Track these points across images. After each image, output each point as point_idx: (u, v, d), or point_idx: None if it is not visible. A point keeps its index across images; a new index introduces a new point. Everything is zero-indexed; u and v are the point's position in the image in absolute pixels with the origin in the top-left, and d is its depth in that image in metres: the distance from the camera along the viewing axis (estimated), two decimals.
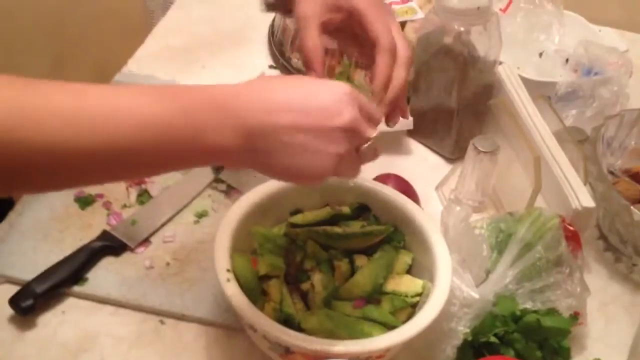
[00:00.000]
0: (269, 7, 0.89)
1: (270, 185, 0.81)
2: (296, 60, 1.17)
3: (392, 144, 1.08)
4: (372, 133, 0.63)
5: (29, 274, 0.80)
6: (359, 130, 0.61)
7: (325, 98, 0.60)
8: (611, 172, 0.98)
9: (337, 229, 0.80)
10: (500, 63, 1.04)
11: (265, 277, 0.75)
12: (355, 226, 0.82)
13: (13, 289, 0.79)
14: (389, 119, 0.75)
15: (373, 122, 0.64)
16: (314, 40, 0.73)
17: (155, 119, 0.55)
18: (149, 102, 0.55)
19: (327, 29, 0.75)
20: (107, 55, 1.41)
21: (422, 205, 0.90)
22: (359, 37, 0.76)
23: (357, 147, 0.64)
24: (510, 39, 1.15)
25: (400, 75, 0.74)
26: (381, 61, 0.72)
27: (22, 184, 0.55)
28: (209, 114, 0.57)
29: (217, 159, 0.61)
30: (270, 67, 1.19)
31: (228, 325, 0.80)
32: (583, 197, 0.86)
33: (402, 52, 0.74)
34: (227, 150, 0.58)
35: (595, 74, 1.09)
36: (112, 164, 0.55)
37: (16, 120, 0.50)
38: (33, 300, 0.77)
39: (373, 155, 0.68)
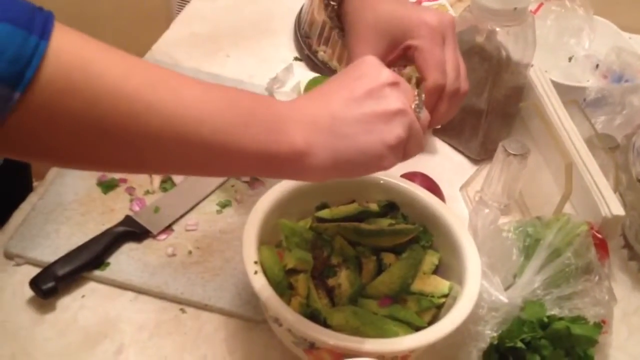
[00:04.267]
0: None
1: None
2: (322, 54, 1.15)
3: None
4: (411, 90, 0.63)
5: (49, 257, 0.79)
6: (402, 83, 0.62)
7: (358, 70, 0.62)
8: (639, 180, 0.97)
9: (366, 226, 0.79)
10: (532, 66, 1.03)
11: (292, 271, 0.74)
12: (383, 224, 0.80)
13: (33, 271, 0.78)
14: None
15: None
16: None
17: (238, 113, 0.56)
18: (237, 101, 0.57)
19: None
20: (129, 41, 1.40)
21: (447, 205, 0.89)
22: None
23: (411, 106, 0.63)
24: (539, 41, 1.13)
25: (443, 108, 0.76)
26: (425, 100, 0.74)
27: (94, 156, 0.53)
28: (280, 116, 0.58)
29: (296, 162, 0.58)
30: (296, 59, 1.18)
31: (249, 317, 0.79)
32: (613, 205, 0.85)
33: (450, 85, 0.75)
34: (305, 150, 0.57)
35: (626, 81, 1.08)
36: (191, 152, 0.54)
37: (111, 91, 0.49)
38: (54, 283, 0.76)
39: (427, 118, 0.66)
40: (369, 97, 0.60)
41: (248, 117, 0.56)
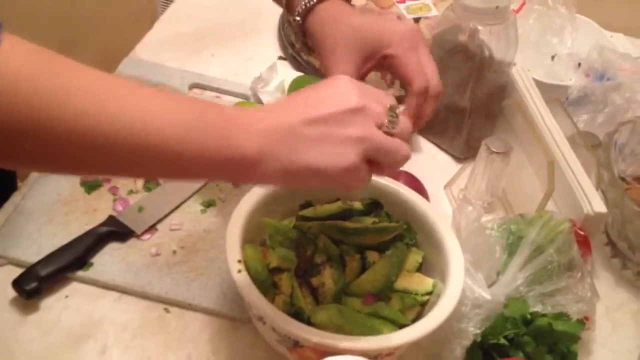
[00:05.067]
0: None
1: None
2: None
3: None
4: (383, 108, 0.63)
5: (32, 257, 0.79)
6: (368, 108, 0.61)
7: (328, 89, 0.62)
8: (622, 179, 0.98)
9: (350, 224, 0.79)
10: (514, 64, 1.03)
11: (276, 270, 0.74)
12: (367, 222, 0.81)
13: (16, 271, 0.77)
14: None
15: (383, 100, 0.64)
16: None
17: (192, 122, 0.57)
18: (188, 107, 0.58)
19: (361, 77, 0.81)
20: (114, 40, 1.40)
21: (431, 203, 0.89)
22: (394, 73, 0.81)
23: (381, 126, 0.62)
24: (522, 40, 1.13)
25: (429, 109, 0.80)
26: (412, 102, 0.78)
27: (52, 162, 0.55)
28: (236, 120, 0.59)
29: (248, 168, 0.59)
30: (280, 58, 1.18)
31: (233, 317, 0.79)
32: (595, 202, 0.86)
33: (433, 87, 0.80)
34: (256, 158, 0.58)
35: (608, 79, 1.08)
36: (146, 161, 0.56)
37: (61, 100, 0.50)
38: (37, 283, 0.76)
39: (408, 128, 0.66)
40: (331, 120, 0.60)
41: (201, 124, 0.57)
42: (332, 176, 0.60)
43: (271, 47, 1.20)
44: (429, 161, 1.06)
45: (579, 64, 1.14)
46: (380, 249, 0.79)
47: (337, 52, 0.79)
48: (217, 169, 0.59)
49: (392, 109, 0.63)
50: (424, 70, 0.78)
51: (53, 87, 0.50)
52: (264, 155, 0.58)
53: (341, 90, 0.62)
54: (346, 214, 0.81)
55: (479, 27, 0.95)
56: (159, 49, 1.15)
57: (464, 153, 1.06)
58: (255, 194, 0.78)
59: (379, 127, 0.62)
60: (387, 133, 0.62)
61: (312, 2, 0.81)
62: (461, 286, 0.73)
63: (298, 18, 0.82)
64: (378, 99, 0.63)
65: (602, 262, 0.95)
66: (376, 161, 0.62)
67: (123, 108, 0.53)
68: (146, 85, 0.57)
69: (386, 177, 0.84)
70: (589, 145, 0.95)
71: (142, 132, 0.54)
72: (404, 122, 0.64)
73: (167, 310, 0.79)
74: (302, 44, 0.85)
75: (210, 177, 0.64)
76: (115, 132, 0.53)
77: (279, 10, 1.24)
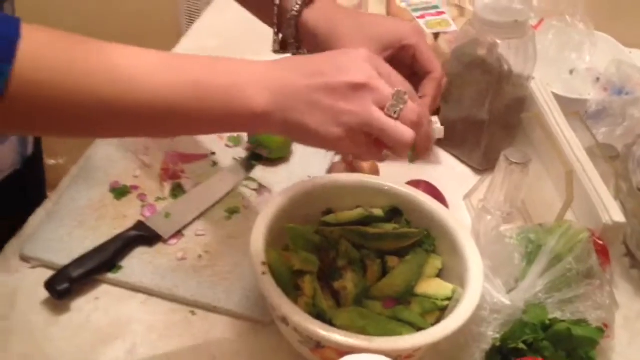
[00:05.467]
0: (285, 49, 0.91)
1: (304, 185, 0.83)
2: None
3: None
4: (390, 91, 0.64)
5: (63, 259, 0.81)
6: (373, 86, 0.63)
7: (344, 58, 0.65)
8: None
9: (371, 229, 0.81)
10: (533, 78, 1.05)
11: (299, 273, 0.76)
12: (387, 228, 0.82)
13: (48, 273, 0.80)
14: None
15: (395, 82, 0.65)
16: None
17: (201, 79, 0.61)
18: (194, 65, 0.62)
19: None
20: None
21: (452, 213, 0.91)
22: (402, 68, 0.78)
23: (382, 107, 0.64)
24: (541, 55, 1.15)
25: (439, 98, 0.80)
26: (431, 89, 0.77)
27: (74, 130, 0.62)
28: (246, 76, 0.63)
29: (251, 120, 0.63)
30: None
31: (257, 319, 0.81)
32: (614, 212, 0.87)
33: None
34: (260, 111, 0.62)
35: (626, 93, 1.10)
36: (159, 118, 0.61)
37: (71, 77, 0.56)
38: (68, 285, 0.78)
39: (418, 114, 0.66)
40: (330, 89, 0.63)
41: (205, 90, 0.61)
42: (325, 142, 0.64)
43: None
44: (449, 173, 1.08)
45: (598, 79, 1.15)
46: (400, 254, 0.81)
47: (354, 40, 0.78)
48: (223, 123, 0.64)
49: (398, 94, 0.64)
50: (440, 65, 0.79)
51: (67, 68, 0.56)
52: (270, 111, 0.62)
53: (354, 63, 0.64)
54: (366, 221, 0.83)
55: (498, 41, 0.97)
56: None
57: (483, 165, 1.07)
58: (278, 201, 0.80)
59: (381, 107, 0.63)
60: (389, 116, 0.64)
61: None
62: (480, 291, 0.74)
63: (295, 11, 0.81)
64: (390, 79, 0.65)
65: (622, 273, 0.95)
66: (378, 138, 0.65)
67: (135, 78, 0.59)
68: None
69: (406, 186, 0.86)
70: (607, 156, 0.96)
71: (153, 91, 0.59)
72: (412, 109, 0.64)
73: (192, 313, 0.81)
74: (295, 40, 0.85)
75: (214, 131, 0.68)
76: (126, 93, 0.58)
77: None
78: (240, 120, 0.63)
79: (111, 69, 0.58)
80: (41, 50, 0.56)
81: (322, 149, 0.67)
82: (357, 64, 0.64)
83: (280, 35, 0.85)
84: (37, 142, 0.98)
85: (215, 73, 0.62)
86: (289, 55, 0.86)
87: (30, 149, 0.92)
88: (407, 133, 0.64)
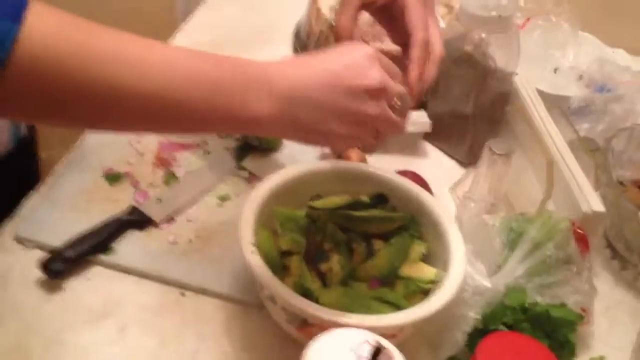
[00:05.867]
0: None
1: (293, 170, 0.85)
2: None
3: (409, 146, 1.11)
4: (399, 88, 0.67)
5: (57, 241, 0.83)
6: (385, 88, 0.65)
7: (350, 56, 0.65)
8: (621, 183, 1.01)
9: (357, 213, 0.83)
10: (516, 75, 1.08)
11: (287, 254, 0.79)
12: (373, 213, 0.85)
13: (40, 254, 0.82)
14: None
15: (396, 77, 0.68)
16: (348, 21, 0.77)
17: (207, 77, 0.60)
18: (203, 62, 0.61)
19: (367, 7, 0.79)
20: None
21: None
22: (396, 22, 0.79)
23: (390, 105, 0.67)
24: (526, 54, 1.18)
25: (431, 72, 0.79)
26: (415, 54, 0.77)
27: (75, 117, 0.60)
28: (251, 80, 0.62)
29: (255, 124, 0.64)
30: None
31: (246, 302, 0.83)
32: (593, 202, 0.90)
33: (436, 50, 0.79)
34: (265, 116, 0.62)
35: (608, 90, 1.13)
36: (163, 111, 0.60)
37: (80, 59, 0.55)
38: (63, 265, 0.80)
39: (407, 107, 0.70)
40: (350, 94, 0.64)
41: (211, 88, 0.61)
42: (332, 143, 0.68)
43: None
44: (435, 166, 1.10)
45: (581, 77, 1.18)
46: (386, 237, 0.83)
47: None
48: (224, 125, 0.65)
49: (401, 94, 0.68)
50: (428, 28, 0.78)
51: (78, 49, 0.55)
52: (275, 115, 0.63)
53: (367, 64, 0.65)
54: (353, 206, 0.85)
55: (483, 35, 1.00)
56: None
57: (469, 158, 1.10)
58: (267, 184, 0.82)
59: (389, 104, 0.67)
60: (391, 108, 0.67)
61: None
62: (462, 273, 0.77)
63: None
64: (390, 71, 0.67)
65: (603, 265, 0.98)
66: (378, 132, 0.68)
67: (144, 68, 0.58)
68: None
69: (393, 172, 0.89)
70: (588, 149, 0.99)
71: (166, 81, 0.59)
72: (407, 101, 0.69)
73: (182, 294, 0.83)
74: None
75: (218, 131, 0.69)
76: (139, 80, 0.57)
77: (293, 21, 1.30)
78: (245, 124, 0.64)
79: (125, 55, 0.57)
80: (51, 27, 0.54)
81: (328, 147, 0.69)
82: (370, 64, 0.65)
83: None
84: (30, 126, 1.00)
85: (226, 72, 0.62)
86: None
87: (23, 130, 0.93)
88: (403, 126, 0.69)
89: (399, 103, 0.68)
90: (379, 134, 0.68)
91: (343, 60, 0.66)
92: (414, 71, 0.76)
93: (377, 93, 0.66)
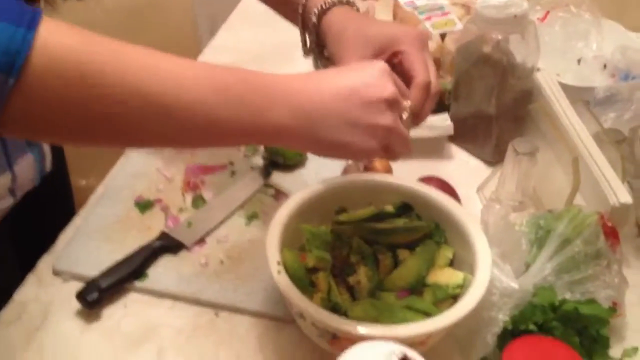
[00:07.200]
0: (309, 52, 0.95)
1: (317, 187, 0.86)
2: None
3: (434, 150, 1.12)
4: (407, 103, 0.71)
5: (93, 271, 0.86)
6: (399, 100, 0.69)
7: (366, 72, 0.68)
8: None
9: (382, 225, 0.84)
10: (539, 70, 1.07)
11: (313, 270, 0.80)
12: (398, 223, 0.85)
13: (79, 285, 0.85)
14: None
15: (404, 94, 0.72)
16: None
17: (234, 90, 0.63)
18: (230, 76, 0.63)
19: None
20: None
21: (464, 206, 0.93)
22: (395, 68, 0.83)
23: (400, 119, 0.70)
24: (548, 47, 1.18)
25: (429, 107, 0.83)
26: (416, 95, 0.80)
27: (99, 131, 0.60)
28: (273, 94, 0.64)
29: (276, 136, 0.66)
30: None
31: (278, 317, 0.85)
32: (621, 194, 0.89)
33: (434, 86, 0.83)
34: (286, 128, 0.65)
35: (633, 78, 1.11)
36: (192, 124, 0.61)
37: (114, 68, 0.57)
38: (98, 294, 0.83)
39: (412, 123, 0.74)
40: (367, 106, 0.67)
41: (237, 101, 0.63)
42: (352, 155, 0.69)
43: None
44: (462, 167, 1.10)
45: (605, 66, 1.17)
46: (411, 247, 0.84)
47: (350, 43, 0.83)
48: (247, 137, 0.66)
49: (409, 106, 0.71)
50: (427, 68, 0.82)
51: (110, 59, 0.57)
52: (295, 128, 0.65)
53: (381, 79, 0.68)
54: (378, 217, 0.86)
55: (500, 37, 1.00)
56: None
57: (495, 157, 1.10)
58: (292, 203, 0.84)
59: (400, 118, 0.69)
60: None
61: (328, 4, 0.86)
62: (489, 276, 0.77)
63: (314, 19, 0.87)
64: (400, 88, 0.71)
65: (635, 254, 0.97)
66: (390, 147, 0.69)
67: (160, 78, 0.59)
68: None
69: (415, 182, 0.90)
70: (614, 140, 0.98)
71: (191, 100, 0.60)
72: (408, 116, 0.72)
73: (217, 315, 0.85)
74: (316, 45, 0.90)
75: (239, 144, 0.70)
76: (169, 90, 0.59)
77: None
78: (266, 135, 0.66)
79: (158, 67, 0.59)
80: (70, 37, 0.55)
81: (349, 159, 0.71)
82: (381, 77, 0.68)
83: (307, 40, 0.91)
84: (58, 159, 1.03)
85: (250, 85, 0.64)
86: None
87: (48, 166, 0.97)
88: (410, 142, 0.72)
89: (406, 114, 0.70)
90: (390, 149, 0.70)
91: (360, 75, 0.68)
92: (414, 109, 0.79)
93: (392, 104, 0.68)
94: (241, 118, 0.63)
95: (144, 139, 0.64)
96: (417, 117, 0.80)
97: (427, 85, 0.81)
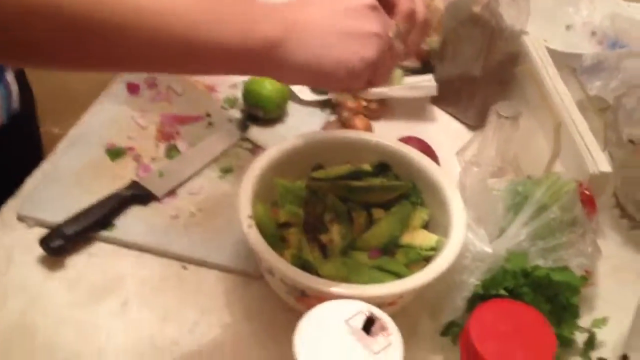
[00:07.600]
0: None
1: (294, 141, 0.84)
2: None
3: (416, 111, 1.10)
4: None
5: (58, 218, 0.83)
6: (381, 12, 0.66)
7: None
8: (631, 142, 0.99)
9: (357, 183, 0.82)
10: (527, 33, 1.05)
11: (285, 225, 0.78)
12: (375, 182, 0.84)
13: (43, 232, 0.82)
14: None
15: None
16: None
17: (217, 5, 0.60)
18: None
19: None
20: None
21: (442, 169, 0.92)
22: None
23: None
24: (538, 11, 1.15)
25: (417, 39, 0.77)
26: (398, 25, 0.74)
27: (67, 50, 0.57)
28: (263, 7, 0.63)
29: (266, 55, 0.63)
30: None
31: (246, 273, 0.83)
32: (601, 162, 0.88)
33: (420, 14, 0.76)
34: (277, 43, 0.62)
35: (621, 46, 1.09)
36: (170, 44, 0.59)
37: None
38: (63, 242, 0.81)
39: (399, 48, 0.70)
40: (350, 14, 0.65)
41: (223, 12, 0.60)
42: (352, 70, 0.65)
43: None
44: (443, 130, 1.08)
45: (594, 33, 1.15)
46: (387, 206, 0.82)
47: None
48: (236, 56, 0.62)
49: (397, 24, 0.69)
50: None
51: None
52: (287, 40, 0.62)
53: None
54: (355, 175, 0.84)
55: None
56: None
57: (478, 121, 1.08)
58: (267, 156, 0.81)
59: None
60: None
61: None
62: (462, 239, 0.75)
63: None
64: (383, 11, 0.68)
65: (611, 224, 0.96)
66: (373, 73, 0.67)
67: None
68: None
69: (394, 140, 0.88)
70: (598, 108, 0.96)
71: (166, 22, 0.58)
72: (399, 43, 0.69)
73: (184, 268, 0.83)
74: None
75: (225, 67, 0.65)
76: (139, 20, 0.56)
77: None
78: (254, 53, 0.62)
79: None
80: None
81: (338, 84, 0.67)
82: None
83: None
84: (27, 103, 1.00)
85: (233, 5, 0.62)
86: None
87: (15, 104, 0.93)
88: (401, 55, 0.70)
89: (392, 32, 0.68)
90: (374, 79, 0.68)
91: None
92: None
93: (375, 8, 0.66)
94: (231, 30, 0.61)
95: (122, 62, 0.61)
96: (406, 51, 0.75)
97: (409, 14, 0.74)
